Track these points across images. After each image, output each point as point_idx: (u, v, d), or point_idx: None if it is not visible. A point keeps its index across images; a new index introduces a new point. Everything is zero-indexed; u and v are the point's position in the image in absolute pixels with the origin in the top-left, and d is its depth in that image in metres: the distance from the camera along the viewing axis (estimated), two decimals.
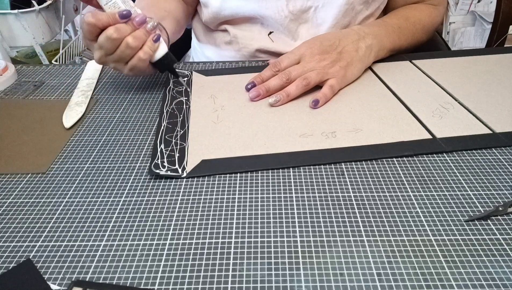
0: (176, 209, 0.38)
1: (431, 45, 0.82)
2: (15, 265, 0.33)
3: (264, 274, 0.31)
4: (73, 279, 0.31)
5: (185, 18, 0.73)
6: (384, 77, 0.60)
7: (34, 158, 0.45)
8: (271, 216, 0.37)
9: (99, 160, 0.45)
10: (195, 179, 0.41)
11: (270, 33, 0.68)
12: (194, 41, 0.81)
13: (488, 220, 0.35)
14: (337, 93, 0.56)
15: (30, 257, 0.33)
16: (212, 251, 0.33)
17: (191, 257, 0.33)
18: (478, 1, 1.85)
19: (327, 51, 0.56)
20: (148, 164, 0.44)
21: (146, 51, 0.52)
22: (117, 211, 0.38)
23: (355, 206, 0.37)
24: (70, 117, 0.52)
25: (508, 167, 0.42)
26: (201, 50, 0.77)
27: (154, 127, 0.50)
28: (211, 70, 0.65)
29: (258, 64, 0.67)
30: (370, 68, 0.63)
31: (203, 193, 0.40)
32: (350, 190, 0.39)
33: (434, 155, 0.44)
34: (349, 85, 0.58)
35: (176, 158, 0.44)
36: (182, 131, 0.49)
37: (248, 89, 0.55)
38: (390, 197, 0.38)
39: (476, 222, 0.35)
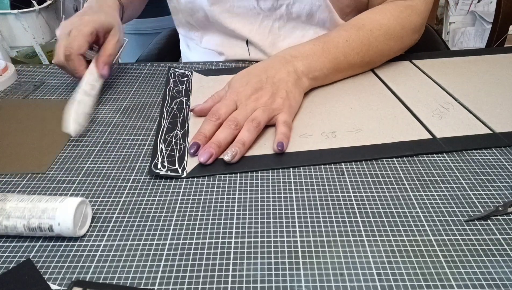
0: (176, 209, 0.38)
1: (430, 45, 0.82)
2: (15, 265, 0.33)
3: (264, 274, 0.31)
4: (73, 279, 0.31)
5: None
6: (384, 77, 0.60)
7: (34, 158, 0.45)
8: (271, 216, 0.37)
9: (99, 160, 0.45)
10: (195, 179, 0.41)
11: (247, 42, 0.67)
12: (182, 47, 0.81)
13: (488, 220, 0.35)
14: (336, 93, 0.56)
15: (30, 257, 0.33)
16: (212, 251, 0.33)
17: (191, 257, 0.33)
18: (478, 1, 1.85)
19: (260, 88, 0.50)
20: (148, 164, 0.44)
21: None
22: (117, 211, 0.38)
23: (355, 206, 0.37)
24: (76, 124, 0.49)
25: (508, 167, 0.42)
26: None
27: (154, 127, 0.50)
28: (211, 70, 0.65)
29: None
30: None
31: (203, 193, 0.40)
32: (350, 190, 0.39)
33: (434, 155, 0.44)
34: (349, 85, 0.58)
35: (176, 158, 0.44)
36: (182, 131, 0.49)
37: (192, 154, 0.44)
38: (390, 197, 0.38)
39: (476, 222, 0.35)
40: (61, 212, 0.33)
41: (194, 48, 0.76)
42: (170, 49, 0.91)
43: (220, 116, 0.47)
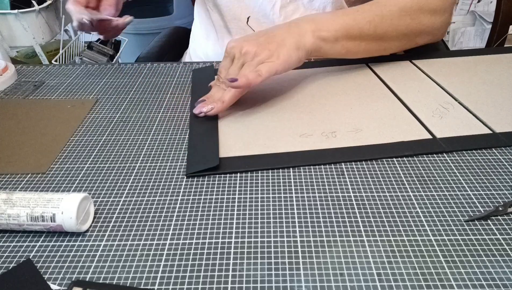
0: (176, 209, 0.38)
1: (431, 45, 0.82)
2: (15, 265, 0.33)
3: (264, 274, 0.31)
4: (73, 279, 0.31)
5: None
6: (384, 77, 0.60)
7: (34, 158, 0.45)
8: (271, 216, 0.37)
9: (99, 160, 0.45)
10: (195, 179, 0.41)
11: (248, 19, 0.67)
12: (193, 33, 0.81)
13: (488, 220, 0.35)
14: (336, 93, 0.56)
15: (30, 257, 0.33)
16: (212, 251, 0.33)
17: (191, 257, 0.33)
18: (478, 1, 1.85)
19: (254, 44, 0.51)
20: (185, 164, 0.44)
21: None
22: (117, 211, 0.38)
23: (355, 206, 0.37)
24: None
25: (508, 167, 0.42)
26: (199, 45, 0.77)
27: (153, 127, 0.50)
28: (211, 69, 0.65)
29: None
30: (370, 68, 0.63)
31: (203, 193, 0.40)
32: (350, 190, 0.39)
33: (434, 155, 0.44)
34: (349, 85, 0.58)
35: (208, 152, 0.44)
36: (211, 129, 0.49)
37: (198, 113, 0.51)
38: (390, 197, 0.38)
39: (476, 222, 0.35)
40: (66, 202, 0.34)
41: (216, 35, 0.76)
42: (170, 48, 0.91)
43: (220, 78, 0.53)
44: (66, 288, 0.31)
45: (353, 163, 0.43)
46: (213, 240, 0.34)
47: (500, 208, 0.36)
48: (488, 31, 1.12)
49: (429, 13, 0.59)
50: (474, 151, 0.44)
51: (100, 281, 0.31)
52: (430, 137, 0.46)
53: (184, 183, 0.41)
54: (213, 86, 0.54)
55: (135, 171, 0.43)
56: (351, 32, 0.55)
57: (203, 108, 0.50)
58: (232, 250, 0.33)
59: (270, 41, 0.51)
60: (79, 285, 0.30)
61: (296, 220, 0.36)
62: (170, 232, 0.35)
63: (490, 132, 0.47)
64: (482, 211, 0.36)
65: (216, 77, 0.55)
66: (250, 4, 0.68)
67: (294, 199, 0.38)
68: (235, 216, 0.37)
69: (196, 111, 0.51)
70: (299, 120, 0.50)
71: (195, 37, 0.81)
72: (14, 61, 1.54)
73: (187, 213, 0.37)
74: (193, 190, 0.40)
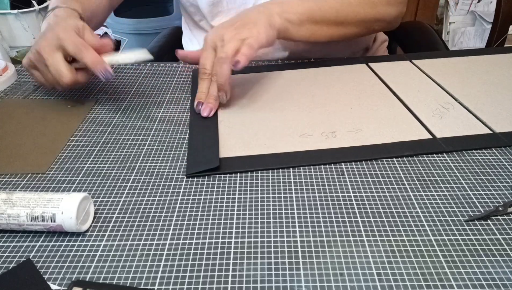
0: (176, 209, 0.38)
1: (430, 45, 0.82)
2: (15, 265, 0.33)
3: (264, 274, 0.31)
4: (73, 279, 0.31)
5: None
6: (384, 77, 0.60)
7: (34, 158, 0.45)
8: (271, 216, 0.37)
9: (99, 160, 0.45)
10: (195, 179, 0.41)
11: None
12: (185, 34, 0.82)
13: (488, 220, 0.35)
14: (336, 93, 0.56)
15: (30, 257, 0.33)
16: (212, 251, 0.33)
17: (191, 257, 0.33)
18: (478, 1, 1.85)
19: (231, 30, 0.53)
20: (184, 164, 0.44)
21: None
22: (117, 211, 0.38)
23: (355, 206, 0.37)
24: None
25: (508, 167, 0.42)
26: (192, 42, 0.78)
27: (153, 127, 0.50)
28: None
29: (258, 63, 0.67)
30: (370, 68, 0.63)
31: (203, 193, 0.40)
32: (350, 190, 0.39)
33: (434, 155, 0.44)
34: (349, 85, 0.58)
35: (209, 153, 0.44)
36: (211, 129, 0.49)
37: (200, 110, 0.52)
38: (390, 197, 0.38)
39: (476, 222, 0.35)
40: (66, 202, 0.34)
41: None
42: (170, 48, 0.91)
43: (208, 70, 0.53)
44: (66, 288, 0.31)
45: (353, 163, 0.43)
46: (213, 240, 0.34)
47: (500, 208, 0.36)
48: (488, 31, 1.12)
49: (386, 3, 0.64)
50: (474, 151, 0.44)
51: (100, 281, 0.31)
52: (430, 137, 0.46)
53: (184, 183, 0.41)
54: (201, 80, 0.53)
55: (135, 171, 0.43)
56: (315, 16, 0.59)
57: (205, 112, 0.51)
58: (232, 250, 0.33)
59: (246, 23, 0.53)
60: (79, 285, 0.30)
61: (296, 220, 0.36)
62: (170, 232, 0.35)
63: (490, 132, 0.47)
64: (482, 211, 0.36)
65: (201, 70, 0.53)
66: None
67: (294, 199, 0.38)
68: (235, 216, 0.37)
69: (205, 113, 0.51)
70: (299, 120, 0.50)
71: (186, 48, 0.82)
72: (14, 61, 1.54)
73: (187, 213, 0.37)
74: (193, 190, 0.40)
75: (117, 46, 1.72)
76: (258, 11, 0.56)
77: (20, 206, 0.34)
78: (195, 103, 0.52)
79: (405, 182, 0.40)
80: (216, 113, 0.52)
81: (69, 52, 0.51)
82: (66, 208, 0.34)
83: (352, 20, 0.62)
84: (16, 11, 1.43)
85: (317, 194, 0.39)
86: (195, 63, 0.57)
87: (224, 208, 0.38)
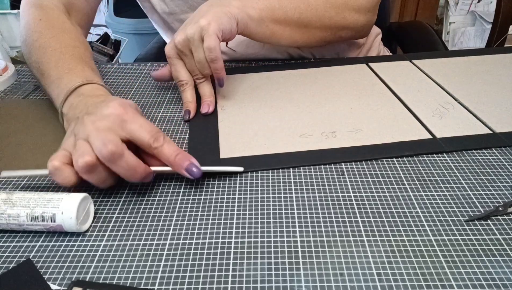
0: (176, 209, 0.38)
1: (430, 46, 0.82)
2: (15, 265, 0.33)
3: (264, 274, 0.31)
4: (73, 279, 0.31)
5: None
6: (384, 77, 0.60)
7: (34, 158, 0.45)
8: (271, 216, 0.37)
9: None
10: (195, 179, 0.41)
11: None
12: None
13: (488, 220, 0.35)
14: (336, 93, 0.56)
15: (30, 257, 0.33)
16: (212, 251, 0.33)
17: (191, 257, 0.33)
18: (478, 1, 1.85)
19: (187, 27, 0.51)
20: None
21: None
22: (117, 211, 0.38)
23: (355, 206, 0.37)
24: None
25: (508, 167, 0.42)
26: None
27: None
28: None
29: (259, 64, 0.67)
30: (370, 68, 0.63)
31: (203, 193, 0.40)
32: (350, 190, 0.39)
33: (434, 155, 0.44)
34: (349, 85, 0.58)
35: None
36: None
37: (187, 119, 0.51)
38: (390, 197, 0.38)
39: (476, 222, 0.35)
40: (66, 202, 0.34)
41: None
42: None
43: (184, 80, 0.53)
44: (66, 288, 0.31)
45: (353, 163, 0.43)
46: (213, 240, 0.34)
47: (500, 208, 0.36)
48: (488, 31, 1.12)
49: (353, 10, 0.61)
50: (474, 151, 0.44)
51: (100, 281, 0.31)
52: (430, 137, 0.46)
53: (184, 183, 0.41)
54: (183, 92, 0.53)
55: None
56: (276, 15, 0.56)
57: (207, 105, 0.52)
58: (232, 250, 0.33)
59: (196, 18, 0.50)
60: (79, 285, 0.30)
61: (296, 220, 0.36)
62: (170, 232, 0.35)
63: (490, 132, 0.47)
64: (482, 211, 0.36)
65: (178, 83, 0.54)
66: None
67: (294, 199, 0.38)
68: (235, 216, 0.37)
69: (204, 111, 0.52)
70: (299, 120, 0.50)
71: None
72: (14, 61, 1.54)
73: (187, 213, 0.37)
74: (193, 190, 0.40)
75: (117, 46, 1.72)
76: (211, 4, 0.53)
77: (20, 206, 0.34)
78: (183, 112, 0.52)
79: (405, 182, 0.40)
80: (216, 113, 0.52)
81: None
82: (66, 208, 0.34)
83: (316, 24, 0.59)
84: (16, 11, 1.43)
85: (317, 194, 0.39)
86: (171, 79, 0.56)
87: (224, 208, 0.38)
